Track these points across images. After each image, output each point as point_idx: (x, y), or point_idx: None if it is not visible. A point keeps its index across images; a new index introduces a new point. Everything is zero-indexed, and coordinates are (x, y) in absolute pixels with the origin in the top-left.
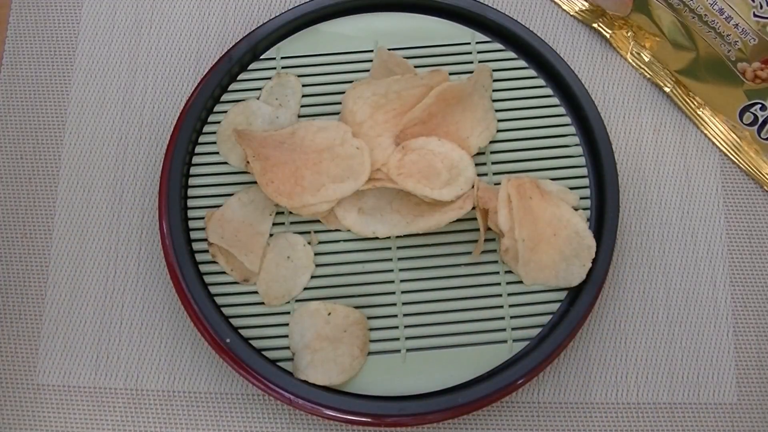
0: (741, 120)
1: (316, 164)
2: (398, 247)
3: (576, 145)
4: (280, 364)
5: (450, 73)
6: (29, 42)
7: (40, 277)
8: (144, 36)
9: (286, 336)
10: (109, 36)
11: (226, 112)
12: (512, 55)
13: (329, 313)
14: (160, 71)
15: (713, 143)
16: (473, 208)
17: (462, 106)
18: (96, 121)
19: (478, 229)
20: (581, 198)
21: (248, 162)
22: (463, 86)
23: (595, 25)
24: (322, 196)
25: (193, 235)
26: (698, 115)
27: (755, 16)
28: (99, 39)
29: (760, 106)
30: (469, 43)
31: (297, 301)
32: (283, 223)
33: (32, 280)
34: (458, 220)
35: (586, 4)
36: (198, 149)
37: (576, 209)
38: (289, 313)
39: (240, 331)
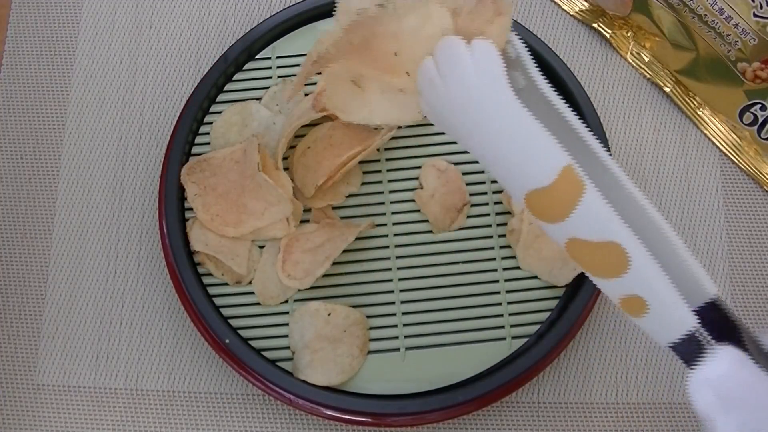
0: (741, 120)
1: (256, 190)
2: (396, 246)
3: None
4: (279, 364)
5: None
6: (29, 42)
7: (40, 277)
8: (144, 36)
9: (286, 336)
10: (109, 36)
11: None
12: None
13: (329, 314)
14: (160, 71)
15: (713, 143)
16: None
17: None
18: (96, 121)
19: (476, 227)
20: None
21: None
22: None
23: (595, 25)
24: (267, 218)
25: None
26: (698, 115)
27: (755, 16)
28: (99, 39)
29: (760, 106)
30: None
31: (296, 301)
32: None
33: (32, 280)
34: (459, 221)
35: (586, 4)
36: (195, 150)
37: None
38: (288, 313)
39: (239, 331)
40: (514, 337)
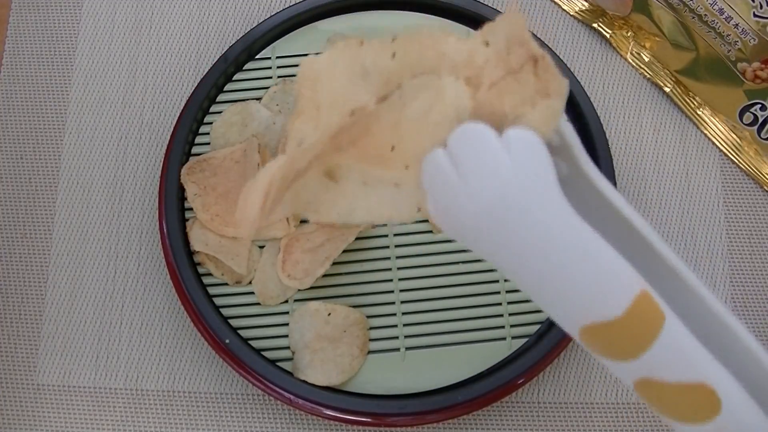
0: (741, 120)
1: None
2: (396, 246)
3: None
4: (279, 364)
5: None
6: (29, 42)
7: (40, 277)
8: (144, 36)
9: (286, 336)
10: (109, 36)
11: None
12: None
13: (329, 314)
14: (160, 71)
15: (713, 143)
16: None
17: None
18: (96, 121)
19: None
20: None
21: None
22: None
23: (595, 25)
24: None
25: None
26: (698, 115)
27: (755, 16)
28: (99, 39)
29: (760, 106)
30: None
31: (296, 301)
32: None
33: (32, 280)
34: None
35: (586, 4)
36: (195, 150)
37: None
38: (287, 313)
39: (239, 331)
40: (514, 337)
